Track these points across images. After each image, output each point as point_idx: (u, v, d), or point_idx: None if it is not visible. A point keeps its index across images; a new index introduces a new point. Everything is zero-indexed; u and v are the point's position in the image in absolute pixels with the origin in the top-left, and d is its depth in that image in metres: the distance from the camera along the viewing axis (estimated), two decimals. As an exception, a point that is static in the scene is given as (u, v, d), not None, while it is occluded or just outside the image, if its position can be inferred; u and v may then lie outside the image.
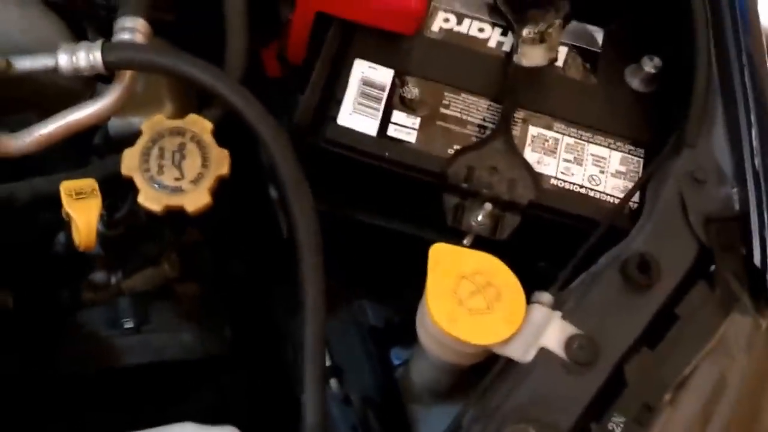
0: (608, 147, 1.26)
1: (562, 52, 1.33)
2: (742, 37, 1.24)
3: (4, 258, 1.11)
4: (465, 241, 1.18)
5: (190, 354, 1.29)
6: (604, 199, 1.22)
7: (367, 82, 1.25)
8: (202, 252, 1.36)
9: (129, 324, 1.26)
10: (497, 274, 1.05)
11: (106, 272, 1.26)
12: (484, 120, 1.25)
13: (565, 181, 1.22)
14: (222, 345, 1.36)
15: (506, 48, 1.32)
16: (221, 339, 1.37)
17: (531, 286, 1.07)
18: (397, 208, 1.26)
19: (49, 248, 1.27)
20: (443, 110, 1.25)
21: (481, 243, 1.17)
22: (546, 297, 1.06)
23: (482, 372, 1.06)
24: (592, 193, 1.22)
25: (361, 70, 1.26)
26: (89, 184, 1.11)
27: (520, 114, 1.26)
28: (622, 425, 1.00)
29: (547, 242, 1.21)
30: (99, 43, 1.17)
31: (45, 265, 1.27)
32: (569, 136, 1.26)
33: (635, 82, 1.32)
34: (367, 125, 1.22)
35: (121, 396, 1.30)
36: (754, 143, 1.17)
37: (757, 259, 1.11)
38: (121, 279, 1.26)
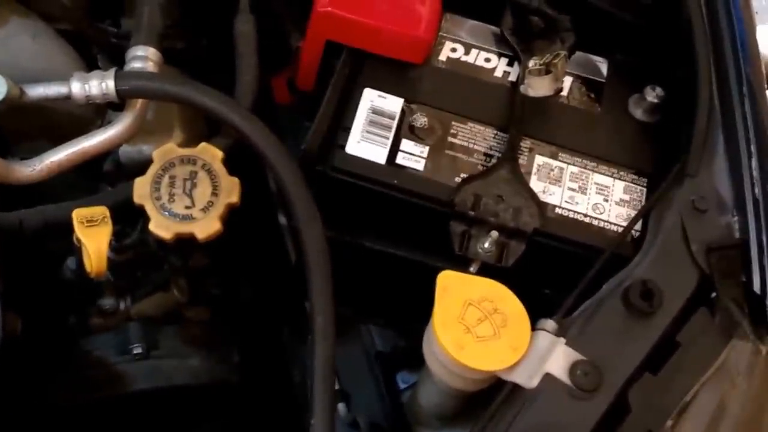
0: (612, 176, 1.27)
1: (567, 81, 1.33)
2: (743, 67, 1.26)
3: (14, 284, 1.11)
4: (471, 268, 1.19)
5: (198, 379, 1.29)
6: (607, 227, 1.23)
7: (376, 111, 1.25)
8: (210, 277, 1.36)
9: (138, 350, 1.26)
10: (504, 301, 1.06)
11: (115, 298, 1.26)
12: (490, 149, 1.26)
13: (569, 210, 1.23)
14: (230, 370, 1.36)
15: (512, 77, 1.33)
16: (229, 364, 1.37)
17: (535, 313, 1.07)
18: (405, 235, 1.26)
19: (58, 274, 1.27)
20: (451, 139, 1.26)
21: (486, 270, 1.17)
22: (550, 324, 1.06)
23: (488, 397, 1.06)
24: (595, 222, 1.23)
25: (371, 98, 1.26)
26: (101, 211, 1.12)
27: (526, 143, 1.27)
28: (625, 451, 1.02)
29: (552, 270, 1.22)
30: (112, 71, 1.18)
31: (54, 290, 1.28)
32: (574, 165, 1.26)
33: (638, 112, 1.33)
34: (376, 153, 1.22)
35: (130, 423, 1.30)
36: (754, 173, 1.19)
37: (756, 286, 1.12)
38: (130, 305, 1.27)
